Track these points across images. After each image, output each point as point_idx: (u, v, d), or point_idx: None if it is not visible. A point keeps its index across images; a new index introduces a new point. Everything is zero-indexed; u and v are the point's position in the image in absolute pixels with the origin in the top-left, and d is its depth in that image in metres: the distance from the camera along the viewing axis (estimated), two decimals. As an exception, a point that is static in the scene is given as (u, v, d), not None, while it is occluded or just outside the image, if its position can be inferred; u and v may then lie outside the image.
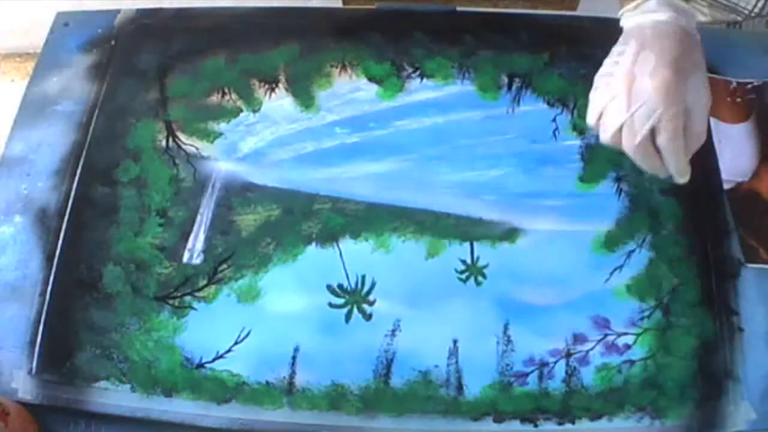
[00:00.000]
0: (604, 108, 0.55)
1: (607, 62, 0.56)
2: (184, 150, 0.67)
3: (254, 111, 0.69)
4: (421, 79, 0.70)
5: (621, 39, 0.57)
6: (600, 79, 0.56)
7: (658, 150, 0.53)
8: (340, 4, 0.85)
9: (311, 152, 0.67)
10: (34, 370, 0.58)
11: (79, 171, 0.65)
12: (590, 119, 0.56)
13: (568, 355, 0.58)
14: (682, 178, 0.55)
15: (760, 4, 0.89)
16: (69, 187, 0.65)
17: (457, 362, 0.58)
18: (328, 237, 0.62)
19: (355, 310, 0.60)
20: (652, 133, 0.53)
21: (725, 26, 0.93)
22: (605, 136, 0.55)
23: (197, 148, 0.67)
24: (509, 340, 0.58)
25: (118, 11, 0.76)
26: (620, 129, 0.53)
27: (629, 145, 0.53)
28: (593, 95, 0.56)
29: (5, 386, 0.57)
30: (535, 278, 0.61)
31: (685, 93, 0.52)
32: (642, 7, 0.55)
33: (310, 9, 0.80)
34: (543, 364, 0.58)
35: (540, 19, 0.76)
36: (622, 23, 0.57)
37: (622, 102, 0.53)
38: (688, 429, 0.56)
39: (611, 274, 0.61)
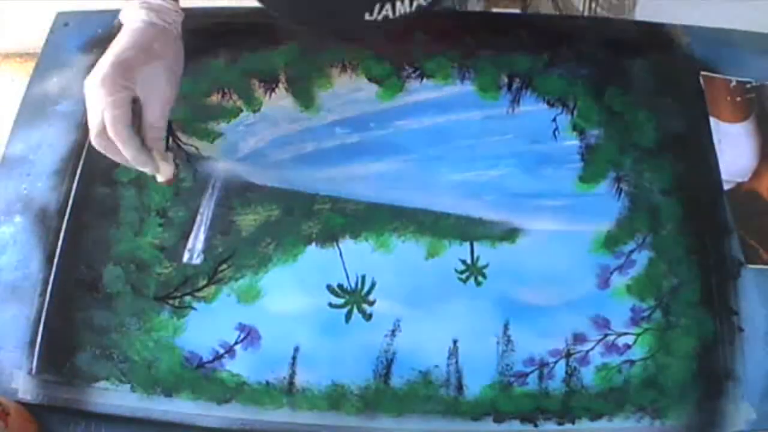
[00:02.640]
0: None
1: None
2: (184, 150, 0.66)
3: (254, 111, 0.69)
4: (421, 79, 0.70)
5: None
6: None
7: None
8: (340, 4, 0.85)
9: (311, 152, 0.66)
10: (34, 370, 0.58)
11: (79, 171, 0.65)
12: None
13: (568, 355, 0.58)
14: (144, 167, 0.56)
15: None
16: (69, 187, 0.65)
17: (457, 362, 0.58)
18: (328, 237, 0.62)
19: (355, 310, 0.60)
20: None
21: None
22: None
23: (197, 148, 0.67)
24: (509, 340, 0.58)
25: (118, 11, 0.75)
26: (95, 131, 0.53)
27: (93, 140, 0.53)
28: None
29: (5, 386, 0.57)
30: (535, 278, 0.61)
31: (134, 83, 0.53)
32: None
33: (310, 9, 0.80)
34: (543, 364, 0.58)
35: (540, 19, 0.76)
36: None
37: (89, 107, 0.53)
38: (688, 429, 0.56)
39: (611, 274, 0.61)
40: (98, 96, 0.52)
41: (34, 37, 0.84)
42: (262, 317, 0.59)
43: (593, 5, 0.85)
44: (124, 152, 0.54)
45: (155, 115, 0.55)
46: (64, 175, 0.65)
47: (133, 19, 0.56)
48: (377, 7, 0.44)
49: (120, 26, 0.58)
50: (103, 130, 0.53)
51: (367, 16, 0.44)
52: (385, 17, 0.45)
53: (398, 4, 0.44)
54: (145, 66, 0.54)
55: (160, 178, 0.58)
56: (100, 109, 0.52)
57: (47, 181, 0.65)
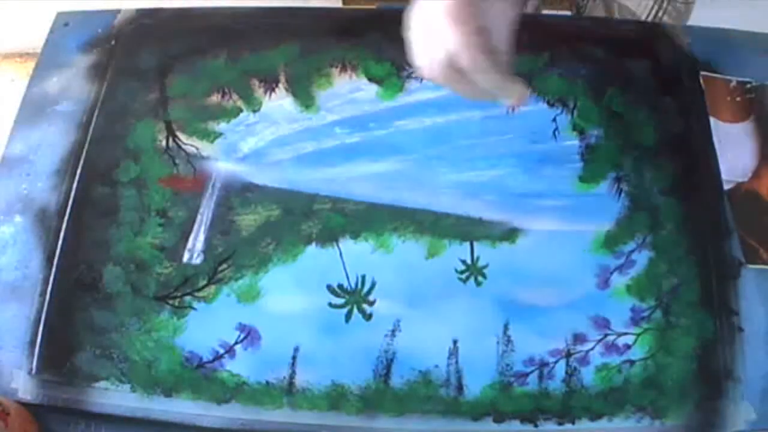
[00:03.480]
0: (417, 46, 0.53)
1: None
2: (184, 150, 0.67)
3: (254, 111, 0.69)
4: (421, 79, 0.70)
5: None
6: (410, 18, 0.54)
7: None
8: (340, 4, 0.85)
9: (311, 152, 0.67)
10: (34, 370, 0.58)
11: (79, 171, 0.65)
12: (416, 61, 0.54)
13: (568, 355, 0.58)
14: (507, 96, 0.54)
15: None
16: (69, 187, 0.65)
17: (457, 362, 0.58)
18: (328, 237, 0.62)
19: (355, 310, 0.60)
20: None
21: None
22: (424, 73, 0.54)
23: (197, 148, 0.67)
24: (509, 340, 0.58)
25: (118, 11, 0.76)
26: (443, 62, 0.52)
27: (433, 74, 0.52)
28: (410, 35, 0.54)
29: (5, 386, 0.57)
30: (535, 278, 0.61)
31: (482, 13, 0.51)
32: None
33: (310, 9, 0.80)
34: (543, 364, 0.58)
35: (540, 19, 0.76)
36: None
37: (424, 37, 0.52)
38: (688, 429, 0.56)
39: (611, 274, 0.61)
40: (445, 24, 0.50)
41: (34, 37, 0.84)
42: (262, 317, 0.59)
43: (659, 13, 0.85)
44: (487, 81, 0.52)
45: (503, 42, 0.53)
46: (64, 175, 0.65)
47: None
48: None
49: None
50: (448, 62, 0.51)
51: None
52: None
53: None
54: None
55: (513, 101, 0.56)
56: (451, 39, 0.50)
57: (47, 181, 0.65)
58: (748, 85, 0.70)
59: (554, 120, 0.68)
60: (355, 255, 0.61)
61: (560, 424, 0.56)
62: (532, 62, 0.70)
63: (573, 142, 0.67)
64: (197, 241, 0.62)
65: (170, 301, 0.60)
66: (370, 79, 0.70)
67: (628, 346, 0.58)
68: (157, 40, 0.73)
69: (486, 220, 0.63)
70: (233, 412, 0.56)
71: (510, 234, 0.62)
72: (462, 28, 0.50)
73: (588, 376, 0.57)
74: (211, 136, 0.67)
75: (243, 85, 0.70)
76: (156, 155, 0.66)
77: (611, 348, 0.58)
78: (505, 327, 0.59)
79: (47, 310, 0.60)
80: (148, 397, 0.57)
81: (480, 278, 0.61)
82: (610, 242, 0.62)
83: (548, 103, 0.69)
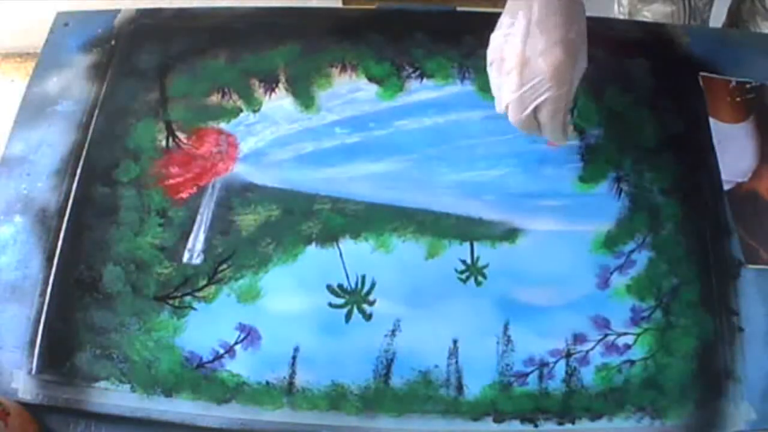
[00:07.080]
0: (499, 83, 0.57)
1: (497, 35, 0.57)
2: (184, 150, 0.66)
3: (254, 111, 0.69)
4: (421, 79, 0.70)
5: (508, 7, 0.56)
6: (492, 53, 0.58)
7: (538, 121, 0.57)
8: (340, 4, 0.85)
9: (311, 152, 0.67)
10: (34, 370, 0.58)
11: (79, 171, 0.65)
12: (494, 92, 0.58)
13: (568, 355, 0.58)
14: (561, 142, 0.61)
15: None
16: (69, 187, 0.65)
17: (457, 362, 0.58)
18: (328, 237, 0.62)
19: (355, 310, 0.60)
20: (536, 107, 0.55)
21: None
22: (498, 108, 0.58)
23: (197, 148, 0.66)
24: (509, 340, 0.58)
25: (118, 11, 0.76)
26: (531, 114, 0.56)
27: (514, 119, 0.56)
28: (490, 70, 0.58)
29: (5, 386, 0.57)
30: (535, 278, 0.61)
31: (574, 71, 0.54)
32: None
33: (310, 9, 0.80)
34: (543, 364, 0.58)
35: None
36: None
37: (514, 80, 0.54)
38: (688, 429, 0.56)
39: (611, 274, 0.61)
40: (546, 81, 0.53)
41: (34, 37, 0.84)
42: (262, 317, 0.59)
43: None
44: (551, 134, 0.58)
45: (571, 95, 0.56)
46: (64, 175, 0.65)
47: None
48: None
49: None
50: (531, 114, 0.55)
51: None
52: None
53: None
54: (580, 50, 0.55)
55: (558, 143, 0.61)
56: (541, 94, 0.54)
57: (47, 181, 0.65)
58: (748, 85, 0.70)
59: (554, 120, 0.67)
60: (355, 255, 0.61)
61: (560, 424, 0.56)
62: (532, 62, 0.70)
63: (573, 142, 0.67)
64: (197, 241, 0.62)
65: (170, 301, 0.60)
66: (370, 79, 0.70)
67: (628, 346, 0.58)
68: (157, 40, 0.73)
69: (486, 220, 0.63)
70: (233, 412, 0.56)
71: (510, 234, 0.62)
72: (564, 90, 0.54)
73: (588, 376, 0.57)
74: (211, 136, 0.67)
75: (243, 85, 0.70)
76: (156, 155, 0.66)
77: (611, 348, 0.58)
78: (505, 327, 0.59)
79: (47, 310, 0.60)
80: (148, 397, 0.57)
81: (480, 278, 0.61)
82: (610, 242, 0.62)
83: (548, 103, 0.68)
